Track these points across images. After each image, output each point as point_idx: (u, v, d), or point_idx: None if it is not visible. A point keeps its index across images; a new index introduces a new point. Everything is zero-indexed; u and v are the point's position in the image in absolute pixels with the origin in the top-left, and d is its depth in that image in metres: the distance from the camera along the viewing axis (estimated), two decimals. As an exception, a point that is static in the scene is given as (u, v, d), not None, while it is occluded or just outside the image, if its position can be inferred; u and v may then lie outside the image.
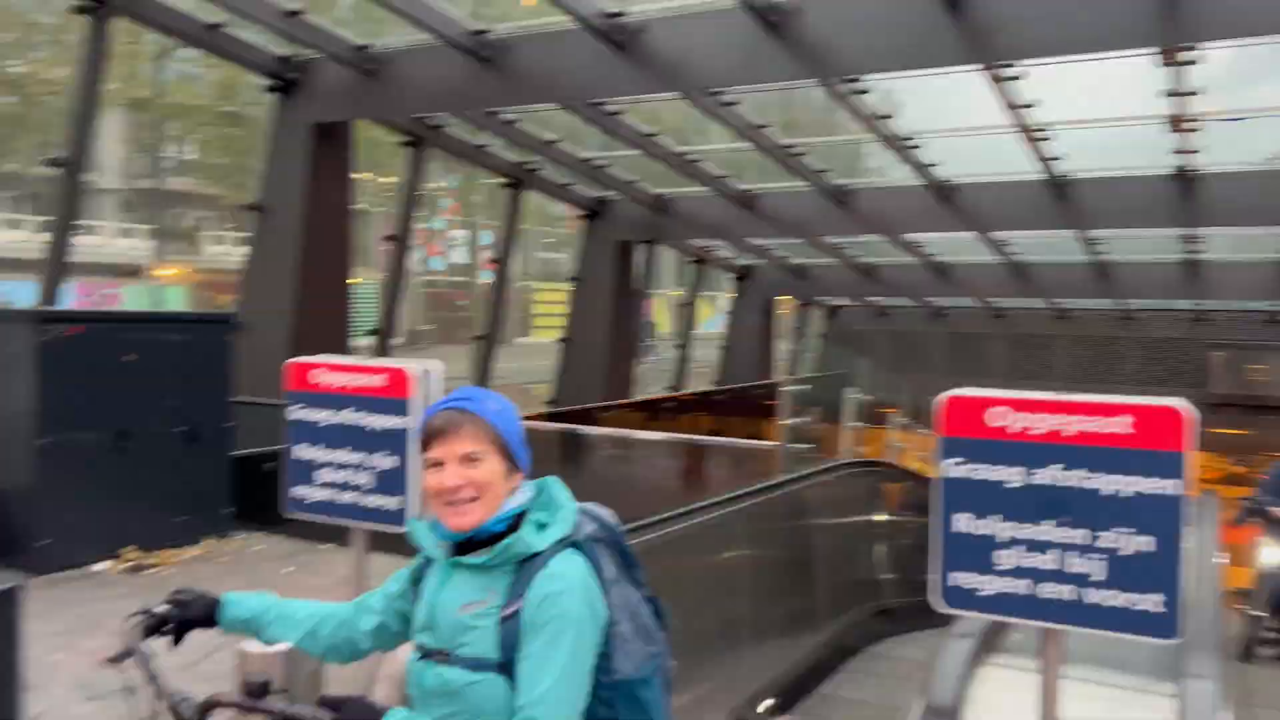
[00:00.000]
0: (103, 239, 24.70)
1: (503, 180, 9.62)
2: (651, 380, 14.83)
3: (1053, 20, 4.92)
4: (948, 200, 9.22)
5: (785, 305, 18.44)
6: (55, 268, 6.50)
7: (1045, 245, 12.37)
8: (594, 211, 10.76)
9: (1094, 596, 1.62)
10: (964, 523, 1.73)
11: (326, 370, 2.73)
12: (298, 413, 2.80)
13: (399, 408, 2.64)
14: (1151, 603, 1.58)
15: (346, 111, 7.49)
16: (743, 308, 14.80)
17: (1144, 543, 1.59)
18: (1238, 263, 11.90)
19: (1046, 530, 1.65)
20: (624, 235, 10.80)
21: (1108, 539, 1.62)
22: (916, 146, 8.26)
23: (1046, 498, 1.67)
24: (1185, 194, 8.22)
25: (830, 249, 12.26)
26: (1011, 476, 1.70)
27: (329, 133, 7.53)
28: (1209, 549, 3.98)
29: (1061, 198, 8.69)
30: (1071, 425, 1.69)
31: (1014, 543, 1.69)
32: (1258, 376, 14.39)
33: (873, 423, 15.02)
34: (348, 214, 7.85)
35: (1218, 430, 15.59)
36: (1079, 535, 1.64)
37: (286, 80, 7.42)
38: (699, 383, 17.43)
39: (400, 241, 8.58)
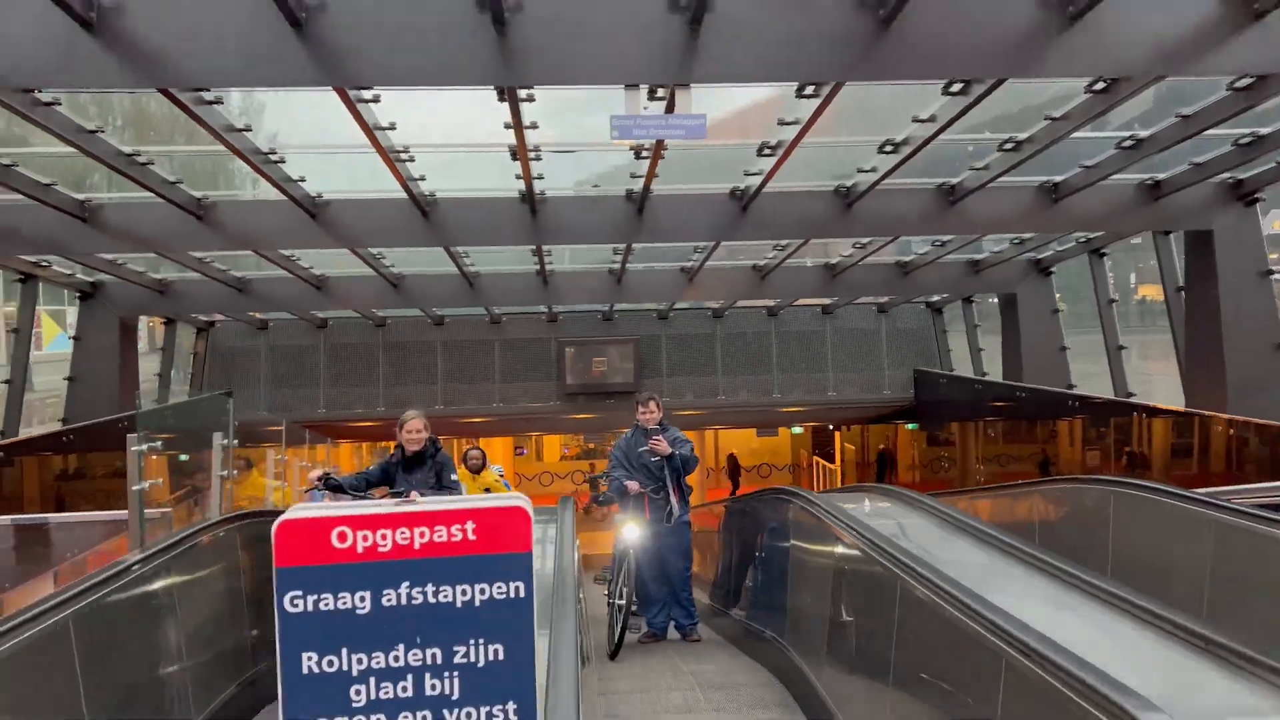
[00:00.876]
0: None
1: None
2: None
3: (397, 52, 4.97)
4: (318, 216, 9.00)
5: (151, 324, 16.60)
6: None
7: (419, 258, 12.85)
8: None
9: (451, 718, 1.57)
10: (312, 663, 1.55)
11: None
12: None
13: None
14: (505, 713, 1.58)
15: None
16: (93, 330, 12.87)
17: (494, 651, 1.58)
18: (577, 271, 13.65)
19: (401, 656, 1.55)
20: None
21: (461, 653, 1.57)
22: (281, 161, 7.89)
23: (399, 620, 1.57)
24: (531, 214, 9.09)
25: (196, 263, 11.22)
26: (359, 603, 1.56)
27: None
28: (568, 546, 4.38)
29: (427, 216, 9.02)
30: (416, 538, 1.60)
31: (368, 675, 1.56)
32: (599, 367, 16.74)
33: (258, 443, 14.24)
34: None
35: (575, 416, 17.88)
36: (433, 655, 1.57)
37: None
38: (47, 423, 14.88)
39: None
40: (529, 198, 8.78)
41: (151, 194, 8.22)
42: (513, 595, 1.60)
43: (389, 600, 1.58)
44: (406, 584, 1.58)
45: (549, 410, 16.94)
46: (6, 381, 11.48)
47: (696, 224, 9.33)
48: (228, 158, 7.99)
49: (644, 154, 7.67)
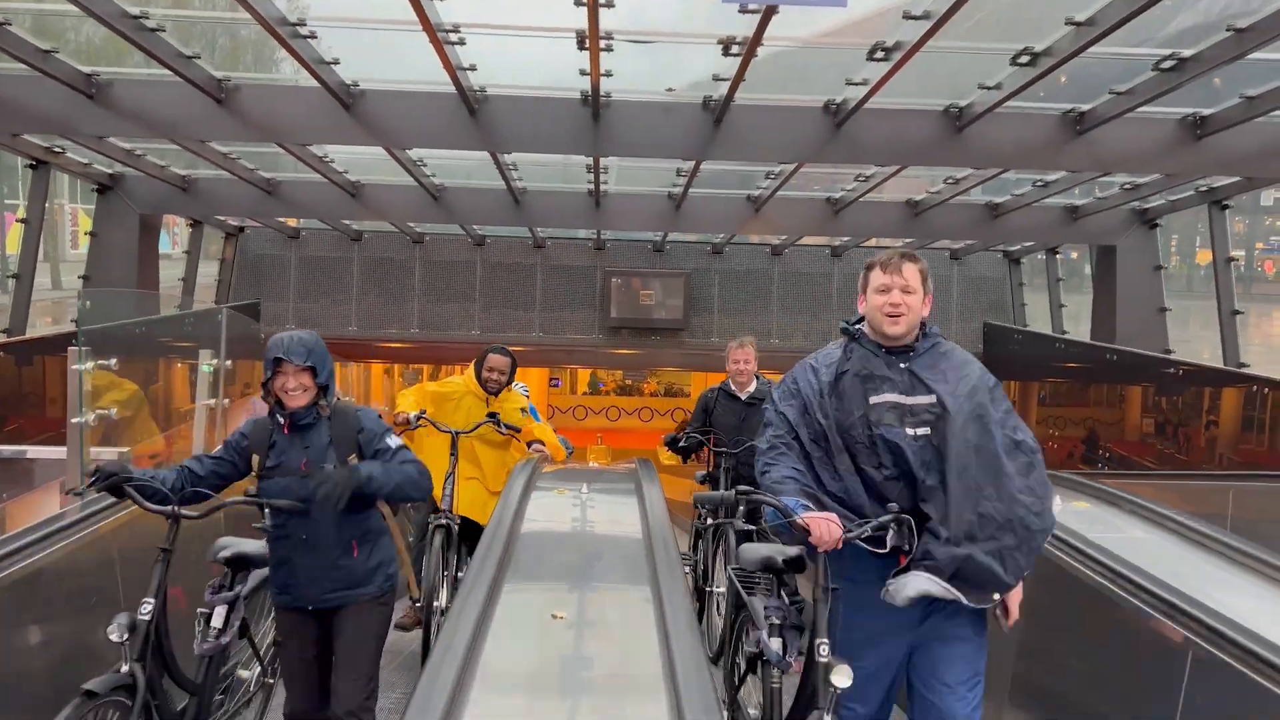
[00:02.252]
0: None
1: None
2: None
3: None
4: (352, 108, 7.93)
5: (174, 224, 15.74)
6: None
7: (462, 168, 11.80)
8: None
9: None
10: None
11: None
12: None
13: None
14: None
15: None
16: (111, 227, 11.99)
17: None
18: (633, 193, 12.53)
19: None
20: (-100, 121, 7.67)
21: None
22: (311, 36, 6.81)
23: None
24: (594, 118, 7.97)
25: (220, 159, 10.23)
26: None
27: None
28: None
29: (474, 114, 7.93)
30: None
31: None
32: (646, 300, 15.69)
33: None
34: None
35: (618, 351, 16.90)
36: None
37: None
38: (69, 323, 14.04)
39: None
40: (593, 99, 7.65)
41: (166, 70, 7.20)
42: None
43: None
44: None
45: (590, 343, 15.95)
46: (13, 276, 10.62)
47: (781, 141, 8.15)
48: (252, 33, 6.98)
49: (734, 50, 6.50)
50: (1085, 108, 7.73)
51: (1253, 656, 2.39)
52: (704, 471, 7.28)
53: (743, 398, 6.97)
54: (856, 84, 7.18)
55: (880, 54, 6.49)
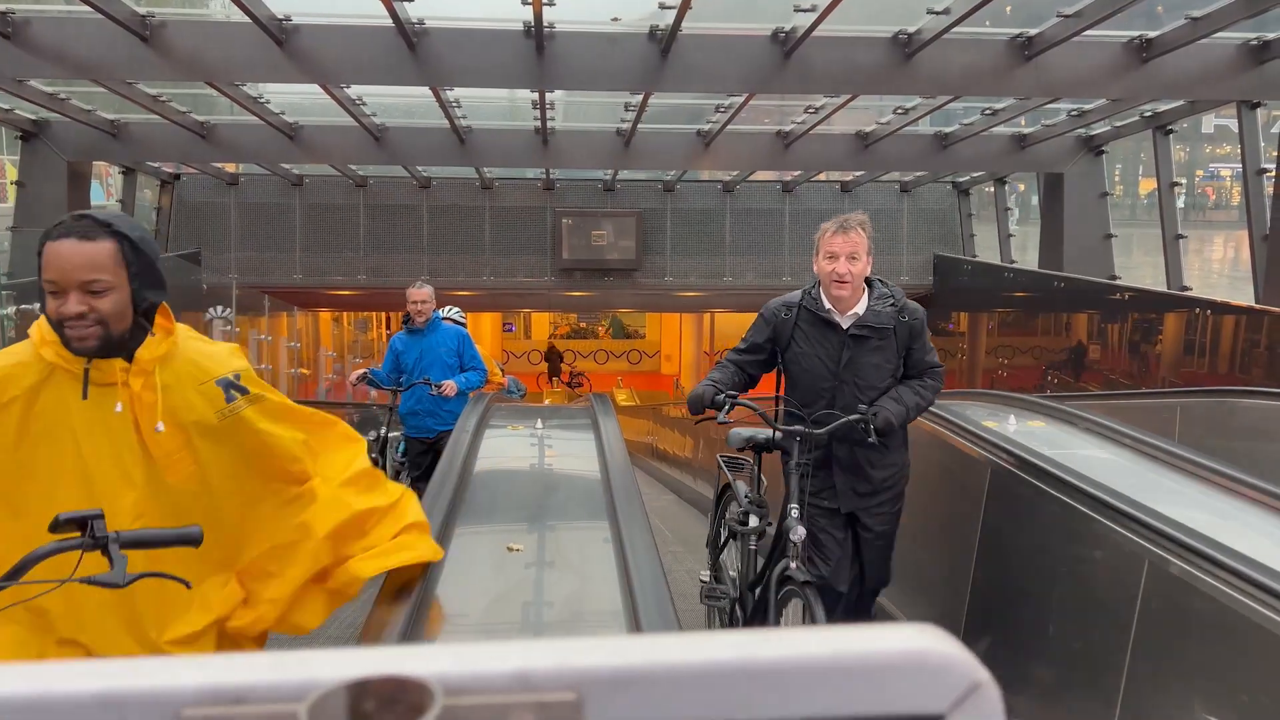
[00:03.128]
0: None
1: None
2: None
3: None
4: (285, 44, 7.62)
5: (107, 174, 15.17)
6: None
7: (403, 108, 11.48)
8: None
9: None
10: None
11: None
12: None
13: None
14: None
15: None
16: (38, 175, 11.51)
17: None
18: (581, 130, 12.30)
19: None
20: None
21: None
22: (236, -34, 6.50)
23: None
24: (537, 51, 7.75)
25: (149, 101, 9.82)
26: None
27: None
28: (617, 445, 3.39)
29: (414, 49, 7.66)
30: None
31: None
32: (599, 241, 15.52)
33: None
34: None
35: (571, 294, 16.76)
36: None
37: None
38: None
39: None
40: (536, 30, 7.43)
41: (87, 6, 6.84)
42: None
43: None
44: None
45: (543, 286, 15.79)
46: (-64, 229, 10.17)
47: (729, 71, 8.00)
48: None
49: (680, -26, 6.33)
50: (1033, 32, 7.67)
51: (1208, 560, 2.43)
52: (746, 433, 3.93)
53: (844, 324, 3.79)
54: (805, 10, 7.04)
55: (828, -22, 6.36)
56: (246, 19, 7.11)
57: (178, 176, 14.69)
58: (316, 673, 0.34)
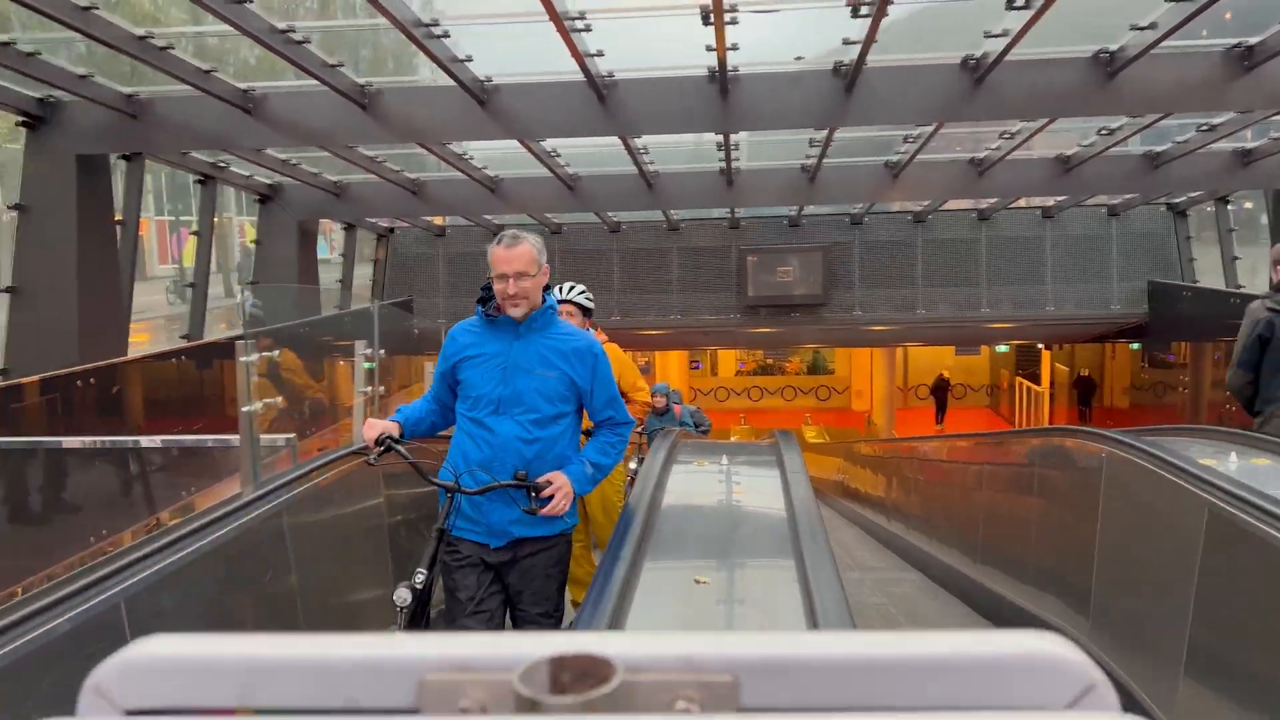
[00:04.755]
0: None
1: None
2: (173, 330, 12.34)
3: None
4: (487, 104, 8.16)
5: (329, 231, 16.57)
6: None
7: (594, 157, 11.96)
8: (36, 117, 8.18)
9: None
10: None
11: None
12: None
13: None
14: None
15: None
16: (272, 234, 12.76)
17: None
18: (765, 169, 12.40)
19: None
20: (86, 147, 8.38)
21: None
22: (444, 35, 7.04)
23: None
24: (721, 94, 7.92)
25: (368, 163, 10.74)
26: None
27: None
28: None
29: (603, 100, 8.02)
30: None
31: None
32: (784, 276, 15.51)
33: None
34: None
35: (757, 330, 16.80)
36: None
37: None
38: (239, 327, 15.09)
39: None
40: (720, 75, 7.60)
41: (314, 80, 7.61)
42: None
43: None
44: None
45: (729, 324, 15.92)
46: (191, 285, 11.46)
47: (917, 102, 7.88)
48: (392, 40, 7.30)
49: (864, 11, 6.33)
50: (1254, 41, 7.14)
51: None
52: None
53: None
54: (996, 36, 6.87)
55: (1021, 2, 6.18)
56: (452, 83, 7.69)
57: (392, 230, 15.90)
58: (525, 649, 0.43)
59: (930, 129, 9.15)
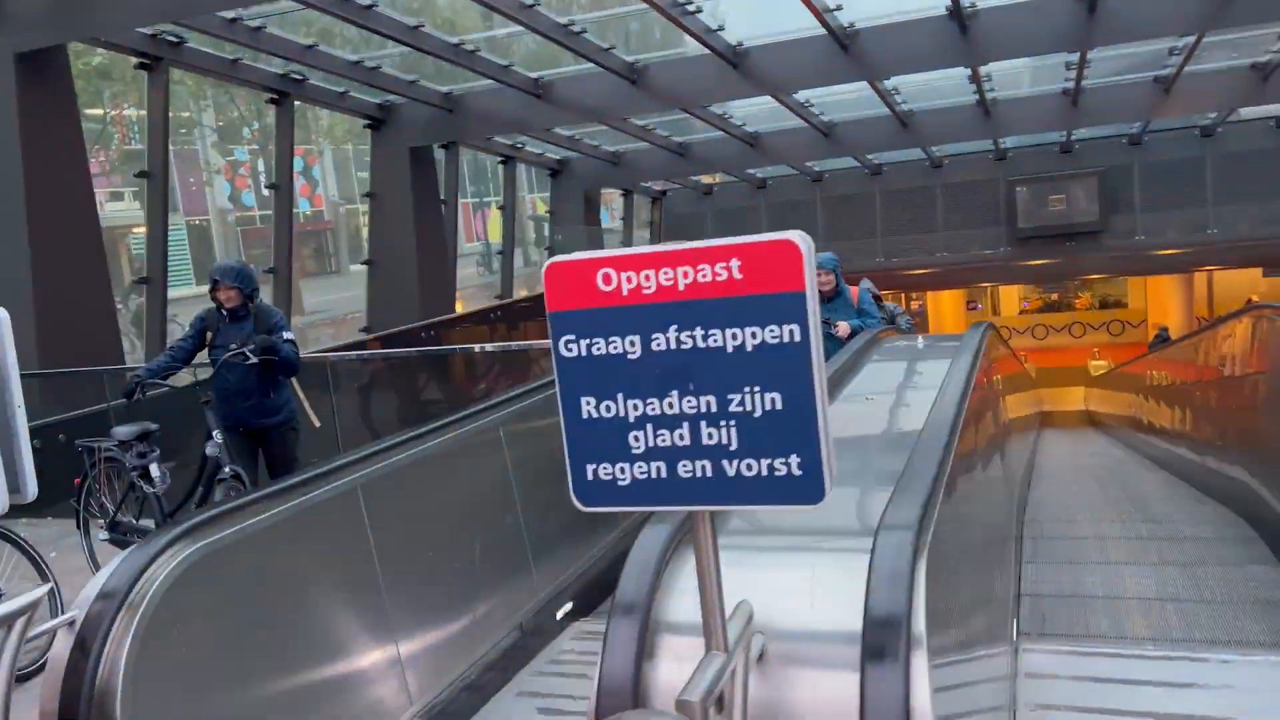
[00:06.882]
0: None
1: (267, 95, 8.84)
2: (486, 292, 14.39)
3: None
4: (739, 66, 9.01)
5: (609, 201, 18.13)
6: None
7: (846, 104, 12.43)
8: (378, 119, 10.07)
9: (732, 469, 1.45)
10: (590, 408, 1.52)
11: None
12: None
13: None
14: (788, 466, 1.42)
15: (51, 35, 6.61)
16: (563, 204, 14.40)
17: (771, 400, 1.42)
18: (1023, 97, 12.25)
19: (675, 403, 1.45)
20: (416, 141, 10.18)
21: (735, 401, 1.43)
22: (698, 10, 7.96)
23: (670, 365, 1.47)
24: (961, 30, 8.24)
25: (639, 131, 11.96)
26: (630, 347, 1.48)
27: (38, 62, 6.64)
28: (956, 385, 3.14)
29: (847, 49, 8.60)
30: (680, 279, 1.46)
31: (644, 421, 1.49)
32: (1057, 206, 15.10)
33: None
34: (79, 154, 7.04)
35: (1031, 263, 16.46)
36: (707, 403, 1.45)
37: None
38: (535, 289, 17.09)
39: (155, 177, 7.79)
40: (957, 11, 7.95)
41: (591, 63, 8.82)
42: (787, 339, 1.41)
43: (658, 345, 1.48)
44: (674, 327, 1.46)
45: (998, 258, 15.76)
46: (500, 253, 13.32)
47: (1166, 14, 7.79)
48: (654, 17, 8.29)
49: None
50: None
51: None
52: None
53: None
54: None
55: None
56: (708, 51, 8.60)
57: (664, 193, 17.18)
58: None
59: (1192, 39, 8.87)
